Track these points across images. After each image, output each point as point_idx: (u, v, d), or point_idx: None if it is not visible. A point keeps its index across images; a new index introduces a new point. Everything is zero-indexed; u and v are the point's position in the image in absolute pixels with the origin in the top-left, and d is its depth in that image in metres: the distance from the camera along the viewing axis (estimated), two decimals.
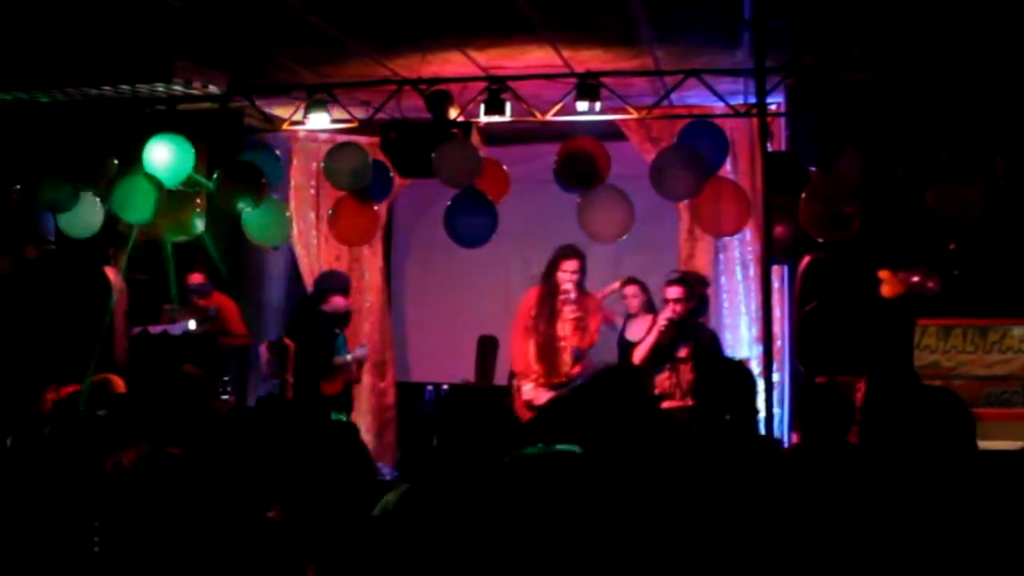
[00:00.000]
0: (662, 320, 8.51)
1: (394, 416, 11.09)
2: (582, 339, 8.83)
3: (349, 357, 9.57)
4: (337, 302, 9.53)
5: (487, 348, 10.44)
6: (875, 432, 5.19)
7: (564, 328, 8.79)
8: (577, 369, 8.91)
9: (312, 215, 10.88)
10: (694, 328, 8.50)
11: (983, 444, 4.19)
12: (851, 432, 5.12)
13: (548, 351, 8.83)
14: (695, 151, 8.31)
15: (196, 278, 9.59)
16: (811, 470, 4.55)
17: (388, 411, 11.05)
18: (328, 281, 9.83)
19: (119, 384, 6.47)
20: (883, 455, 4.36)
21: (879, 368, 5.91)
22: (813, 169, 8.15)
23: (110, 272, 9.24)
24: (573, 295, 8.72)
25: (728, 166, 9.07)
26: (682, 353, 8.41)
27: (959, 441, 4.00)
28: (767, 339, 7.94)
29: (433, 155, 8.42)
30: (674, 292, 8.49)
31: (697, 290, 8.65)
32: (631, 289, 9.02)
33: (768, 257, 8.05)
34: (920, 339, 8.81)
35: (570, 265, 8.72)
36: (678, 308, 8.44)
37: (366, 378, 11.02)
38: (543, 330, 8.84)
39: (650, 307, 9.00)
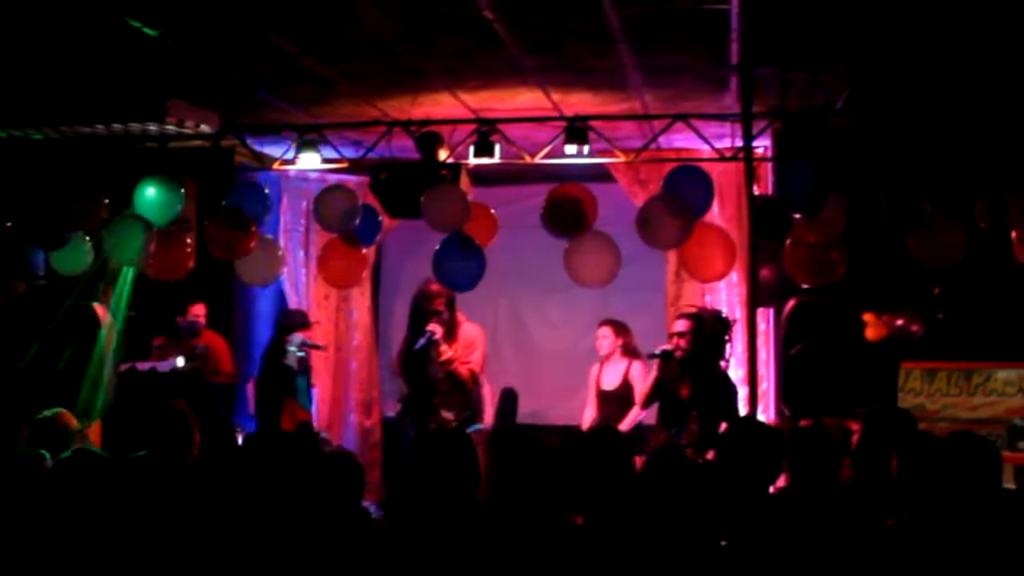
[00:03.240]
0: (656, 352, 8.40)
1: (380, 456, 11.08)
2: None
3: (293, 349, 9.61)
4: (296, 339, 9.54)
5: (505, 397, 10.36)
6: (873, 475, 5.23)
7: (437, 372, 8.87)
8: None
9: (301, 254, 10.92)
10: (701, 369, 8.24)
11: None
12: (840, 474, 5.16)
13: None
14: (681, 200, 8.30)
15: (198, 308, 9.57)
16: (801, 512, 4.58)
17: (374, 450, 11.04)
18: (287, 319, 9.91)
19: (69, 420, 6.45)
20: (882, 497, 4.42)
21: (875, 412, 5.94)
22: (798, 216, 8.21)
23: (99, 309, 9.25)
24: (438, 335, 8.79)
25: (715, 209, 9.13)
26: (684, 394, 8.21)
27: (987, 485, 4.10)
28: (752, 381, 7.98)
29: (422, 200, 8.45)
30: (678, 325, 8.37)
31: (708, 328, 8.33)
32: (602, 330, 8.95)
33: (754, 300, 8.10)
34: (905, 382, 8.86)
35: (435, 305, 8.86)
36: (680, 343, 8.28)
37: (353, 417, 11.05)
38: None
39: (628, 351, 8.94)
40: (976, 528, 3.99)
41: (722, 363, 8.33)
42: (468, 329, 9.05)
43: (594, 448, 4.82)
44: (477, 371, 8.95)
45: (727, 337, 8.45)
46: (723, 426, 7.62)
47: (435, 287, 8.84)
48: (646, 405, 8.59)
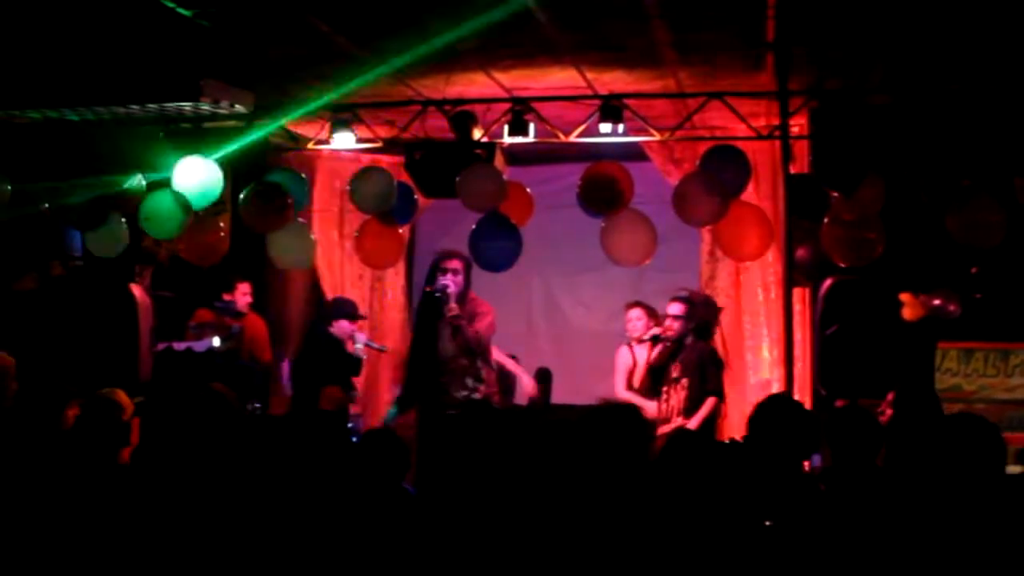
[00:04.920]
0: (648, 335, 8.68)
1: (414, 434, 11.07)
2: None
3: (359, 346, 9.59)
4: (342, 326, 9.55)
5: (543, 379, 10.31)
6: (901, 456, 5.20)
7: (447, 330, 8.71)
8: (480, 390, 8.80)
9: (335, 234, 10.92)
10: (690, 347, 8.48)
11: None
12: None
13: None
14: (717, 177, 8.32)
15: (245, 287, 9.60)
16: (843, 493, 4.55)
17: (408, 430, 11.03)
18: (333, 307, 9.87)
19: (123, 399, 6.47)
20: (909, 480, 4.38)
21: (904, 392, 5.91)
22: (836, 194, 8.16)
23: (136, 289, 9.31)
24: (451, 289, 8.59)
25: (750, 188, 9.07)
26: (674, 372, 8.46)
27: (987, 468, 4.04)
28: (788, 361, 7.97)
29: (457, 180, 8.46)
30: (673, 308, 8.56)
31: (699, 311, 8.58)
32: (635, 312, 8.96)
33: (790, 280, 8.08)
34: (941, 362, 8.81)
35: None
36: (675, 325, 8.50)
37: (386, 396, 11.05)
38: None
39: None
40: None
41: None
42: (477, 303, 8.85)
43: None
44: (484, 337, 8.77)
45: (716, 321, 8.78)
46: (709, 400, 8.25)
47: (453, 248, 8.82)
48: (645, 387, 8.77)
